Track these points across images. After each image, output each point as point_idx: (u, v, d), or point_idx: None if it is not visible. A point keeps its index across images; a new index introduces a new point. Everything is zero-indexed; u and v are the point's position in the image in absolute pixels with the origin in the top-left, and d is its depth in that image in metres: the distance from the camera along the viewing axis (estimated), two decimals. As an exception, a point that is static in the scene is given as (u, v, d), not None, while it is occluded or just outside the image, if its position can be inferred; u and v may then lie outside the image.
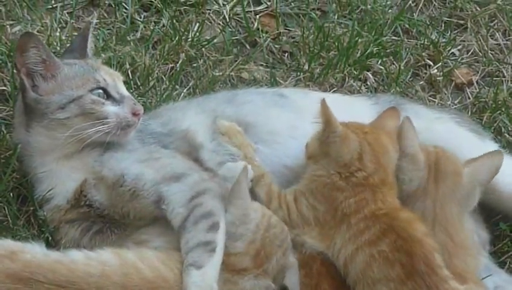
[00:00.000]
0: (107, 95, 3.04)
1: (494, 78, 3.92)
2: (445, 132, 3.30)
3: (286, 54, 3.88)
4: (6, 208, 3.12)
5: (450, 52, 3.98)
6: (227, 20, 3.90)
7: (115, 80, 3.09)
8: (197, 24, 3.82)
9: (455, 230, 2.99)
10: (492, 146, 3.36)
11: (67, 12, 3.77)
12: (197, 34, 3.77)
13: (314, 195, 2.97)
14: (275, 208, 2.98)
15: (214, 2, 3.94)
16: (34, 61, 3.00)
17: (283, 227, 2.94)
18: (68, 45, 3.50)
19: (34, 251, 2.72)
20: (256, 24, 3.91)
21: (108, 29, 3.75)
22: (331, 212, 2.94)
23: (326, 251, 2.92)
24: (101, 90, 3.03)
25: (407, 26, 4.04)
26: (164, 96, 3.54)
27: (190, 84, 3.65)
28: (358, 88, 3.77)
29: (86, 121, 2.98)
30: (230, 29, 3.88)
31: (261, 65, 3.81)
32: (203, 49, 3.76)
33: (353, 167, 2.95)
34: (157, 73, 3.63)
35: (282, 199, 3.01)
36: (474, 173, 3.06)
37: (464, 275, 2.89)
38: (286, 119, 3.23)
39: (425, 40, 3.98)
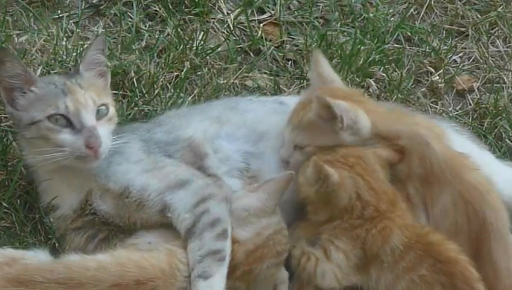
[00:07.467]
0: (70, 122, 2.95)
1: (495, 85, 3.95)
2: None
3: (289, 62, 3.90)
4: (13, 215, 3.15)
5: (452, 59, 4.01)
6: (232, 28, 3.93)
7: (78, 108, 2.94)
8: (202, 33, 3.85)
9: None
10: (489, 156, 3.40)
11: (73, 22, 3.80)
12: (202, 42, 3.80)
13: (339, 239, 2.96)
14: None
15: (218, 11, 3.97)
16: (10, 74, 2.97)
17: (288, 242, 2.96)
18: (74, 53, 3.55)
19: (35, 257, 2.77)
20: (260, 32, 3.94)
21: (113, 38, 3.78)
22: (358, 247, 2.94)
23: (363, 283, 2.94)
24: (60, 117, 2.94)
25: (409, 33, 4.06)
26: (169, 104, 3.56)
27: (195, 92, 3.67)
28: (360, 95, 3.79)
29: (45, 146, 2.93)
30: (234, 38, 3.91)
31: (265, 73, 3.84)
32: (208, 57, 3.78)
33: (356, 207, 2.94)
34: (162, 81, 3.64)
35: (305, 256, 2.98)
36: None
37: None
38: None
39: (427, 47, 4.01)
